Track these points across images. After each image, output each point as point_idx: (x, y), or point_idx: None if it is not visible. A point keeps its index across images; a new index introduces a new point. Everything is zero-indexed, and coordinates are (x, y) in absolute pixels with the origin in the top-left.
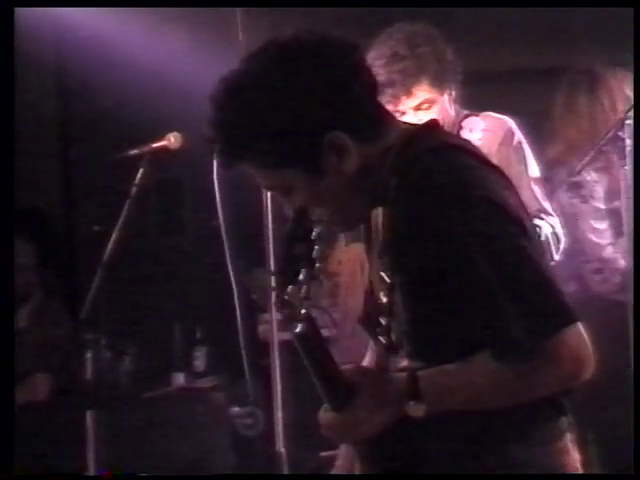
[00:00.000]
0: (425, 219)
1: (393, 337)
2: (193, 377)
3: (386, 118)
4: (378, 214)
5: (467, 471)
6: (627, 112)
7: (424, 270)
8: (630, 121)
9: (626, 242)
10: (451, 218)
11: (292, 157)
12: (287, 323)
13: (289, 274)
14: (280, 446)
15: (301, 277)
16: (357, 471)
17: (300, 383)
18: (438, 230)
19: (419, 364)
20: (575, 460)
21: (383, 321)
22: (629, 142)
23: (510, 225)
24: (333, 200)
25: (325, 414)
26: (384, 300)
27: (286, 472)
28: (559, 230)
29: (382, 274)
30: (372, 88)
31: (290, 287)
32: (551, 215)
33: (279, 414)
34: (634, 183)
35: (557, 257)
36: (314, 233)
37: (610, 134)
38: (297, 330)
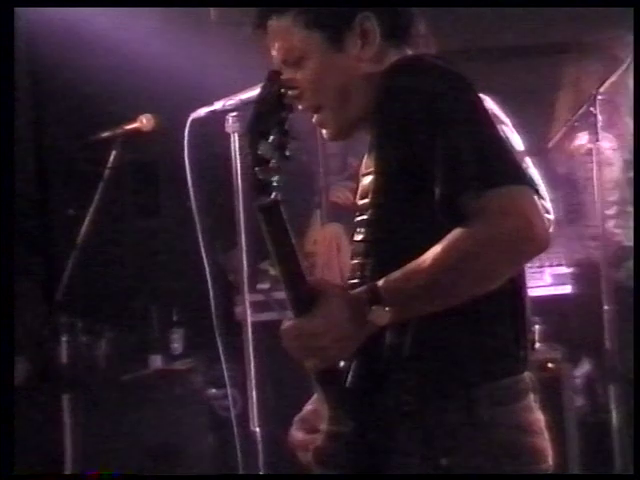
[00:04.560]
0: (406, 93)
1: (366, 274)
2: (170, 359)
3: (407, 47)
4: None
5: (432, 427)
6: (599, 88)
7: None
8: (602, 97)
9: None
10: (434, 90)
11: (323, 20)
12: (257, 187)
13: (260, 134)
14: (255, 425)
15: (272, 139)
16: (325, 416)
17: (274, 364)
18: (418, 99)
19: None
20: (539, 420)
21: (357, 261)
22: (600, 118)
23: (476, 98)
24: (336, 85)
25: (287, 322)
26: (359, 239)
27: (260, 451)
28: (548, 205)
29: (358, 217)
30: (411, 17)
31: (262, 142)
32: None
33: (253, 394)
34: (634, 183)
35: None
36: (286, 99)
37: (582, 110)
38: (264, 201)
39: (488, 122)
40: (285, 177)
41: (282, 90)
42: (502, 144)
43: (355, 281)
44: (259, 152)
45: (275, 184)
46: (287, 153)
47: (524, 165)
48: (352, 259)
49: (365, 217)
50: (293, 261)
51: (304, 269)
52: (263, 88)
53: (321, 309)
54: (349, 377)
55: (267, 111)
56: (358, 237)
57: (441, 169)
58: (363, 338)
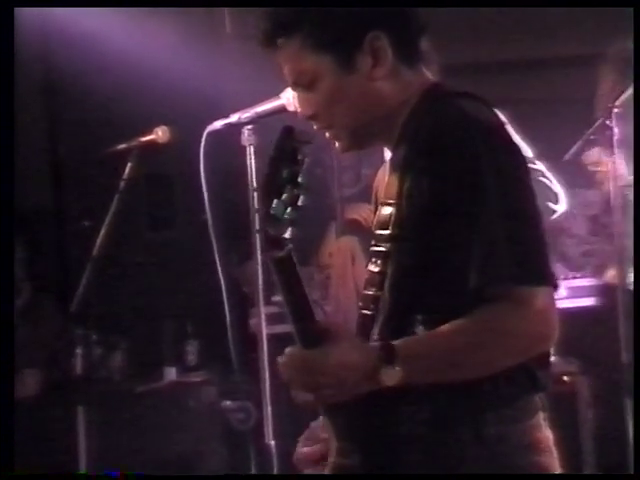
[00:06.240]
0: (448, 155)
1: (379, 307)
2: (185, 371)
3: (421, 64)
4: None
5: (439, 443)
6: (615, 100)
7: (435, 204)
8: (617, 110)
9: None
10: (477, 156)
11: (332, 42)
12: (269, 242)
13: (273, 192)
14: (270, 439)
15: (284, 196)
16: (332, 444)
17: None
18: (460, 166)
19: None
20: (548, 438)
21: (370, 292)
22: (617, 131)
23: (527, 177)
24: (349, 105)
25: (291, 349)
26: (375, 270)
27: (275, 464)
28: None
29: (375, 247)
30: (421, 30)
31: (275, 201)
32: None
33: (268, 407)
34: (634, 183)
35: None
36: (300, 155)
37: (598, 123)
38: (276, 255)
39: (529, 203)
40: (298, 227)
41: (296, 144)
42: (538, 236)
43: (367, 312)
44: (271, 212)
45: (288, 236)
46: (299, 204)
47: (550, 260)
48: (365, 289)
49: (383, 249)
50: (305, 308)
51: (316, 315)
52: (276, 145)
53: (331, 349)
54: (356, 409)
55: (280, 169)
56: (374, 268)
57: (477, 251)
58: (365, 390)
